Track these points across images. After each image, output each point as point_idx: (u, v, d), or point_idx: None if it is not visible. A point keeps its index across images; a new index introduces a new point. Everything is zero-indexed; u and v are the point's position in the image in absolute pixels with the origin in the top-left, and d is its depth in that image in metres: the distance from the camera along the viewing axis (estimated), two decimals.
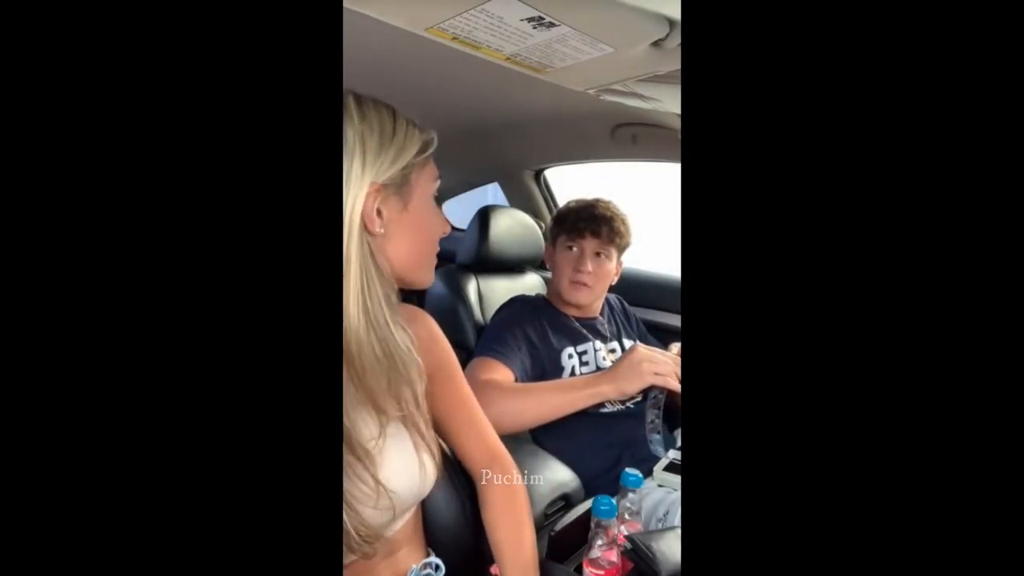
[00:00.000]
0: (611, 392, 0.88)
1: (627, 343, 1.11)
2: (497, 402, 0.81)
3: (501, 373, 0.92)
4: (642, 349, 0.89)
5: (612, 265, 1.07)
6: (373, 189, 0.49)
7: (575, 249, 1.06)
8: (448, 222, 0.60)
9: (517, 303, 1.09)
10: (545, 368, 0.99)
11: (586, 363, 1.03)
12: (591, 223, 1.04)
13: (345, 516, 0.48)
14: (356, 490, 0.50)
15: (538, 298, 1.13)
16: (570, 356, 1.02)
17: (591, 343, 1.05)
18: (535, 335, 1.01)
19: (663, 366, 0.87)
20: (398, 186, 0.52)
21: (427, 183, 0.55)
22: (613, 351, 1.08)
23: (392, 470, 0.53)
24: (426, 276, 0.58)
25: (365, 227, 0.49)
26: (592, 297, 1.07)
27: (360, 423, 0.52)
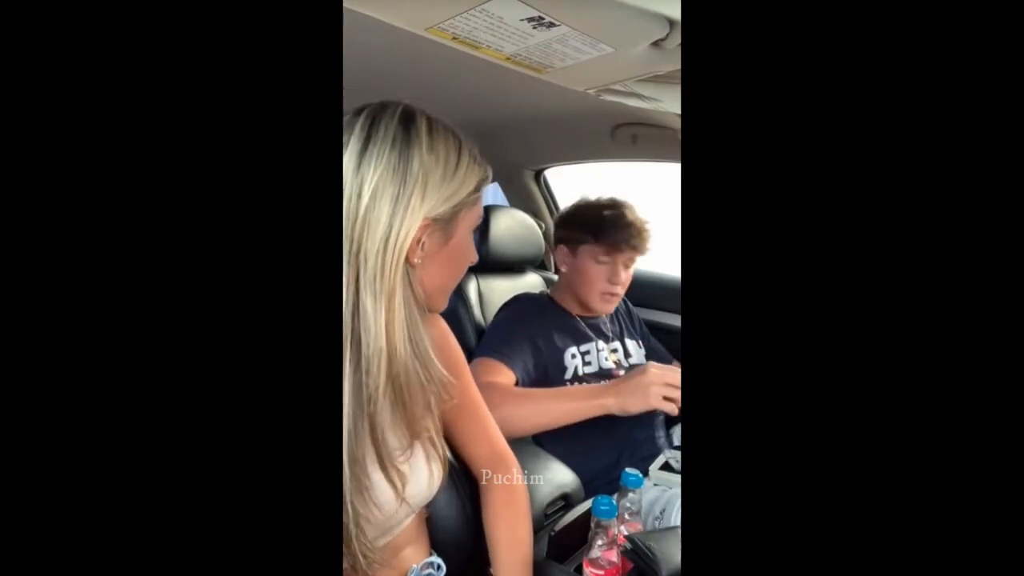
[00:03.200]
0: (614, 407, 0.85)
1: (629, 343, 1.11)
2: (498, 407, 0.79)
3: (502, 375, 0.92)
4: (654, 371, 0.83)
5: (632, 270, 1.06)
6: (424, 224, 0.49)
7: (609, 262, 1.02)
8: (475, 251, 0.59)
9: (521, 301, 1.09)
10: (547, 368, 0.99)
11: (588, 363, 1.03)
12: (630, 238, 1.00)
13: (355, 539, 0.48)
14: (368, 511, 0.50)
15: (542, 296, 1.12)
16: (573, 356, 1.01)
17: (594, 343, 1.05)
18: (538, 334, 1.00)
19: (673, 391, 0.82)
20: (446, 222, 0.51)
21: (472, 219, 0.55)
22: (615, 351, 1.08)
23: (408, 483, 0.53)
24: (444, 302, 0.59)
25: (406, 257, 0.49)
26: (618, 302, 1.07)
27: (395, 444, 0.52)
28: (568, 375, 1.00)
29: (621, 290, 1.03)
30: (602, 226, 1.01)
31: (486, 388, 0.83)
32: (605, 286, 1.02)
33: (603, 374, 1.03)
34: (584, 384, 1.00)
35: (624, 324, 1.15)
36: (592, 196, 1.11)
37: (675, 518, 0.75)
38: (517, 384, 0.94)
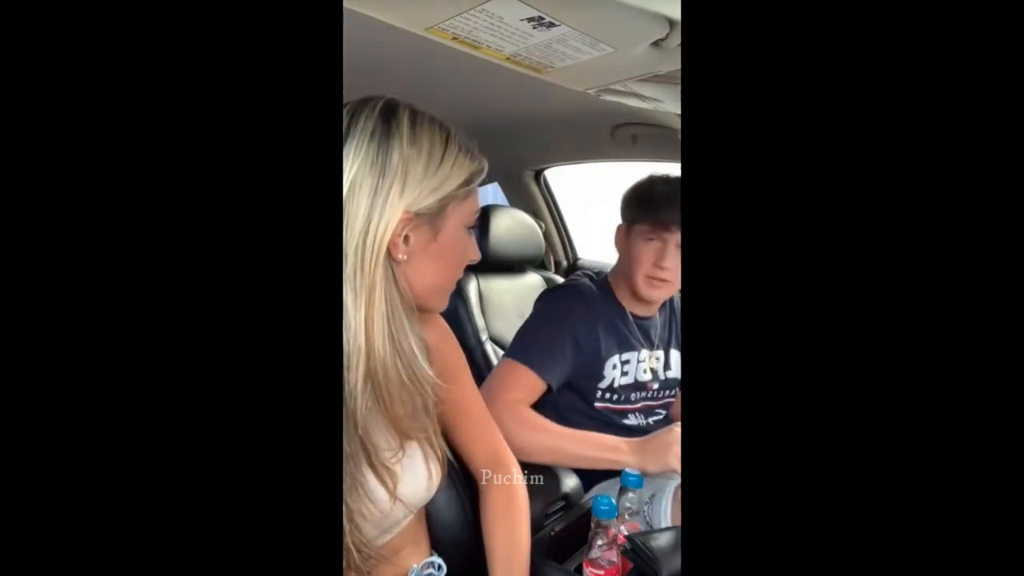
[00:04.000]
0: (632, 465, 0.79)
1: (674, 353, 1.02)
2: (512, 434, 0.74)
3: (530, 386, 0.86)
4: (679, 431, 0.77)
5: None
6: (405, 217, 0.47)
7: (656, 241, 0.91)
8: (477, 249, 0.57)
9: (572, 293, 0.97)
10: (582, 376, 0.92)
11: (626, 373, 0.95)
12: (677, 213, 0.88)
13: (349, 535, 0.48)
14: (364, 508, 0.50)
15: (598, 283, 1.00)
16: (614, 366, 0.94)
17: (637, 352, 0.97)
18: (583, 337, 0.91)
19: None
20: (432, 216, 0.50)
21: (464, 214, 0.53)
22: (657, 359, 1.00)
23: (402, 483, 0.53)
24: (441, 302, 0.57)
25: (389, 253, 0.47)
26: (669, 293, 0.95)
27: (383, 444, 0.52)
28: (603, 384, 0.93)
29: (670, 276, 0.90)
30: (652, 201, 0.92)
31: (505, 406, 0.80)
32: (651, 269, 0.91)
33: (637, 386, 0.97)
34: (616, 395, 0.95)
35: (675, 331, 1.04)
36: (662, 172, 0.99)
37: (665, 503, 0.75)
38: (549, 391, 0.89)
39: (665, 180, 0.94)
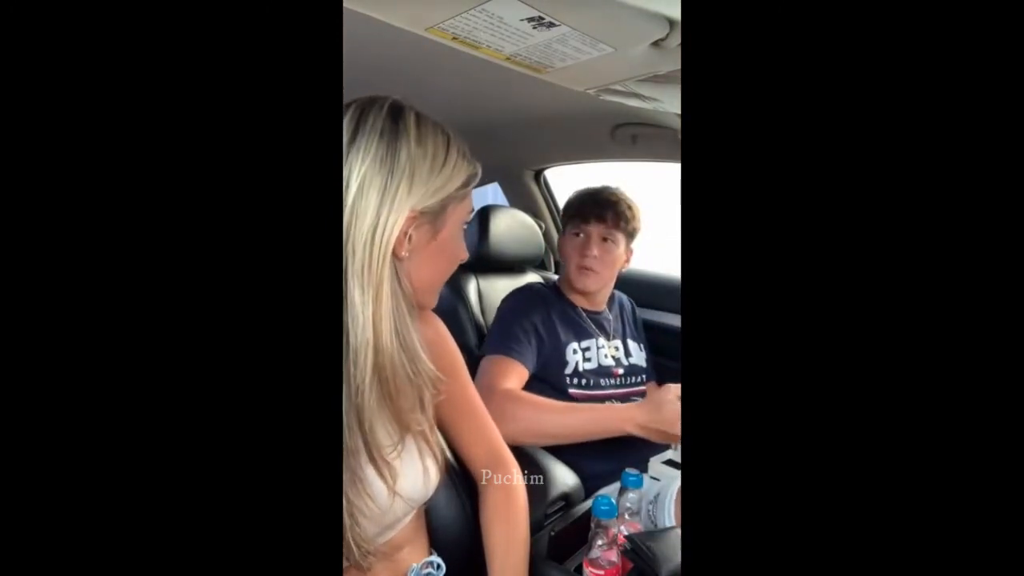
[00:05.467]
0: (637, 433, 0.85)
1: (631, 344, 1.12)
2: (519, 418, 0.81)
3: (516, 374, 0.93)
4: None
5: (620, 251, 1.08)
6: (411, 215, 0.50)
7: (581, 235, 1.07)
8: (466, 249, 0.61)
9: (527, 292, 1.09)
10: (549, 361, 1.00)
11: (588, 359, 1.04)
12: (596, 208, 1.06)
13: (349, 530, 0.49)
14: (364, 504, 0.50)
15: (549, 286, 1.13)
16: (574, 352, 1.02)
17: (594, 340, 1.06)
18: (542, 326, 1.01)
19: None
20: (434, 215, 0.52)
21: (461, 214, 0.56)
22: (616, 348, 1.09)
23: (401, 477, 0.53)
24: (433, 300, 0.59)
25: (393, 250, 0.49)
26: (600, 283, 1.07)
27: (385, 438, 0.53)
28: (569, 370, 1.01)
29: (595, 264, 1.05)
30: (574, 206, 1.10)
31: (505, 397, 0.85)
32: (578, 259, 1.06)
33: (602, 371, 1.04)
34: (584, 380, 1.01)
35: (628, 325, 1.16)
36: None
37: (668, 504, 0.75)
38: (530, 377, 0.96)
39: (584, 190, 1.12)
